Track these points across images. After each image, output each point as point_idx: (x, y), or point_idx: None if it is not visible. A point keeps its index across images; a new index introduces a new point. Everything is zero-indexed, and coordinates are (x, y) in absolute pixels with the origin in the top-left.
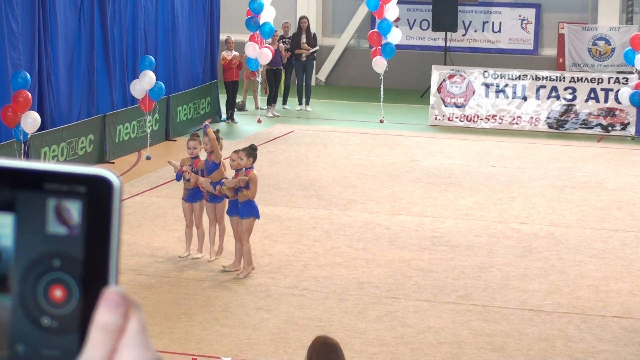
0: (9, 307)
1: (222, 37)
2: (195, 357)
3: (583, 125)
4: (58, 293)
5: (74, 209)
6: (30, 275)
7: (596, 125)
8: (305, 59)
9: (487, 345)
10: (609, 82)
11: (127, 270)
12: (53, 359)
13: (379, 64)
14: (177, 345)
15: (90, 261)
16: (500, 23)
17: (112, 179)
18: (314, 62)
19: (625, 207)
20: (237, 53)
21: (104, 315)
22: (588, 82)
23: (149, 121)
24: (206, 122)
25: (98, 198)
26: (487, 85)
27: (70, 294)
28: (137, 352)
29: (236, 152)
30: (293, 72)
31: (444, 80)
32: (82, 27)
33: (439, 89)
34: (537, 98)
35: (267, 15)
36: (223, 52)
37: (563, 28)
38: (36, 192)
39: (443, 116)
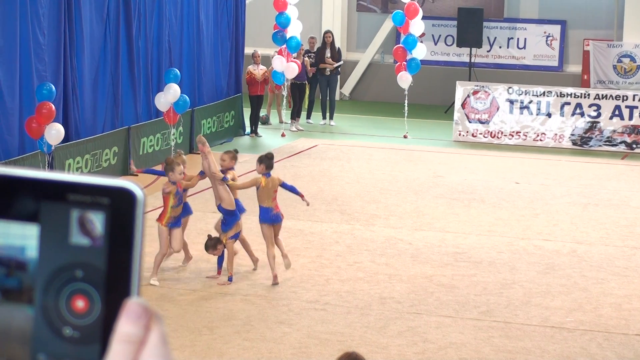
0: (32, 317)
1: (248, 51)
2: None
3: (607, 143)
4: (80, 303)
5: (97, 220)
6: (53, 285)
7: (620, 143)
8: (329, 73)
9: None
10: (633, 100)
11: (148, 282)
12: None
13: (404, 79)
14: (199, 358)
15: (113, 272)
16: (525, 39)
17: (135, 191)
18: (338, 76)
19: None
20: (264, 67)
21: (125, 326)
22: (613, 99)
23: (173, 134)
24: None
25: (121, 210)
26: (511, 102)
27: (92, 304)
28: None
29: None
30: (317, 86)
31: (468, 96)
32: (107, 40)
33: (463, 105)
34: (562, 115)
35: (294, 30)
36: (249, 67)
37: (588, 45)
38: (60, 203)
39: (467, 132)
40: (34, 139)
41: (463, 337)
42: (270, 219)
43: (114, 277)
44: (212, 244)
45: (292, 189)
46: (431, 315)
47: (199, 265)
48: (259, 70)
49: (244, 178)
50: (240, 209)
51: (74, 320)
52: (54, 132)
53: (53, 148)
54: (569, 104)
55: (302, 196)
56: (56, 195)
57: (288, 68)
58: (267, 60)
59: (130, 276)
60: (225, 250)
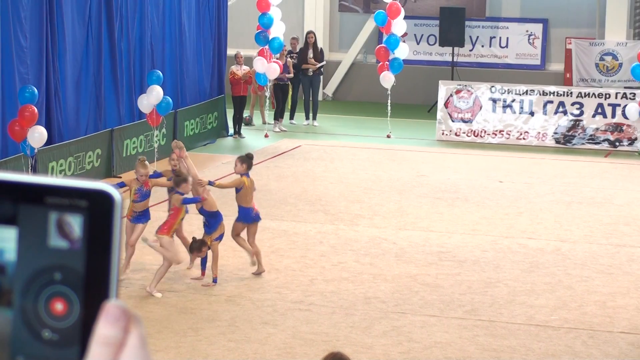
0: (11, 320)
1: (231, 52)
2: None
3: (590, 141)
4: (59, 306)
5: (75, 223)
6: (32, 288)
7: (603, 141)
8: (312, 73)
9: None
10: (616, 98)
11: (133, 284)
12: None
13: (387, 79)
14: (183, 359)
15: (91, 275)
16: (507, 38)
17: (113, 194)
18: (321, 77)
19: (632, 222)
20: (247, 68)
21: (104, 329)
22: (595, 97)
23: (157, 136)
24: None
25: (99, 212)
26: (494, 101)
27: (71, 307)
28: None
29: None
30: (300, 87)
31: (451, 95)
32: (89, 42)
33: (446, 104)
34: (545, 113)
35: (277, 30)
36: (232, 67)
37: (570, 43)
38: (38, 206)
39: (450, 131)
40: (17, 142)
41: (448, 336)
42: (252, 218)
43: (92, 279)
44: (197, 246)
45: None
46: (416, 314)
47: (182, 267)
48: (241, 71)
49: (227, 179)
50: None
51: (53, 323)
52: (37, 135)
53: (36, 151)
54: (551, 102)
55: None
56: (34, 198)
57: (269, 69)
58: (250, 61)
59: (108, 278)
60: (210, 252)
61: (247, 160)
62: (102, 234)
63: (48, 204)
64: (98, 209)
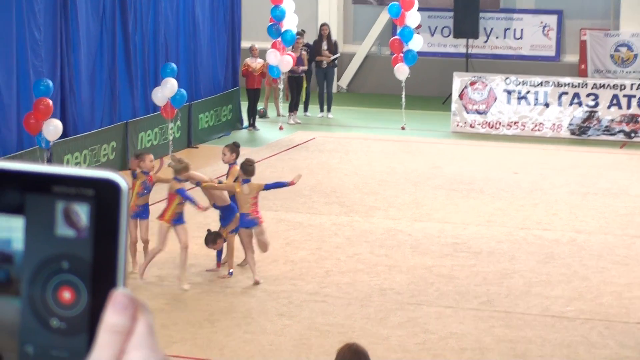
0: (19, 309)
1: (246, 44)
2: None
3: (605, 132)
4: (67, 295)
5: (82, 212)
6: (39, 277)
7: (619, 132)
8: (326, 66)
9: (510, 352)
10: (631, 89)
11: (150, 276)
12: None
13: (401, 71)
14: (200, 351)
15: (98, 263)
16: (522, 30)
17: (120, 182)
18: (335, 69)
19: None
20: (262, 61)
21: (112, 317)
22: (610, 88)
23: (171, 128)
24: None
25: (106, 201)
26: (509, 92)
27: (78, 295)
28: (144, 354)
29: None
30: (314, 79)
31: (466, 87)
32: (104, 35)
33: (460, 96)
34: (560, 104)
35: (289, 23)
36: (247, 59)
37: (585, 34)
38: (45, 195)
39: (465, 123)
40: (32, 135)
41: (464, 327)
42: (245, 223)
43: (99, 268)
44: (212, 239)
45: (276, 185)
46: (431, 305)
47: (198, 260)
48: (256, 64)
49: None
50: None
51: (61, 312)
52: (52, 128)
53: (51, 144)
54: (566, 93)
55: (290, 183)
56: (41, 187)
57: (282, 61)
58: (264, 54)
59: (116, 267)
60: (226, 244)
61: (244, 166)
62: (109, 223)
63: (55, 193)
64: (105, 197)
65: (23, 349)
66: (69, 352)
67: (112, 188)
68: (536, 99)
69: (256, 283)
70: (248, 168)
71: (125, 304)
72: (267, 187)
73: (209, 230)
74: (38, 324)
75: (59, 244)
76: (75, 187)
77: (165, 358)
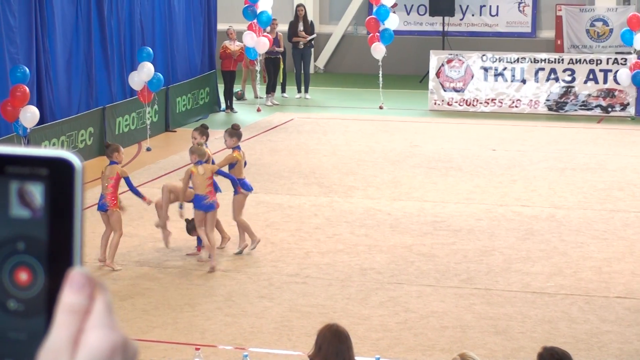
0: None
1: (222, 27)
2: (198, 347)
3: (583, 107)
4: (23, 276)
5: (36, 192)
6: None
7: (596, 107)
8: (302, 46)
9: (491, 329)
10: (607, 63)
11: (129, 261)
12: (20, 342)
13: (378, 50)
14: (181, 335)
15: (54, 243)
16: (497, 6)
17: (74, 161)
18: (312, 49)
19: (626, 187)
20: (241, 44)
21: (69, 297)
22: (587, 63)
23: (149, 112)
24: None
25: (60, 180)
26: (485, 69)
27: (35, 276)
28: (102, 333)
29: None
30: (290, 60)
31: (443, 65)
32: (79, 20)
33: (437, 74)
34: (536, 80)
35: (265, 4)
36: (225, 42)
37: (560, 10)
38: None
39: (442, 101)
40: (9, 122)
41: (444, 306)
42: (201, 206)
43: (56, 247)
44: (192, 227)
45: (227, 176)
46: (412, 284)
47: (178, 244)
48: (234, 46)
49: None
50: (247, 187)
51: (18, 293)
52: (29, 115)
53: (29, 130)
54: (543, 69)
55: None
56: None
57: (259, 43)
58: (241, 36)
59: (72, 246)
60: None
61: (236, 133)
62: (63, 202)
63: (8, 174)
64: (59, 176)
65: None
66: (27, 334)
67: (66, 167)
68: (513, 76)
69: (212, 270)
70: (239, 132)
71: (82, 283)
72: (219, 172)
73: (187, 220)
74: None
75: (14, 224)
76: (29, 166)
77: (123, 337)
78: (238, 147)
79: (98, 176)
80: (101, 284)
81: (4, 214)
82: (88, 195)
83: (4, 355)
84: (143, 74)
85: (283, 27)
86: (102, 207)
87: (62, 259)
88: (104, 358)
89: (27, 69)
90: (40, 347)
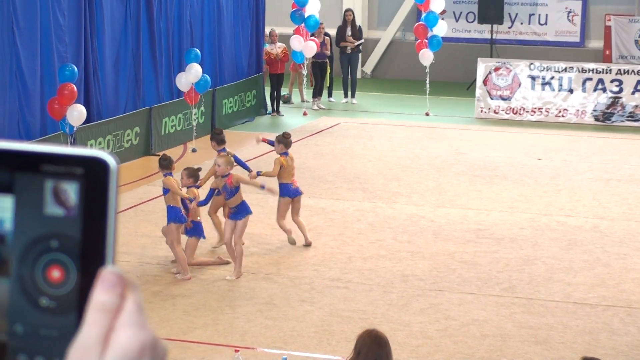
0: (9, 289)
1: (269, 30)
2: (238, 349)
3: (630, 118)
4: (56, 273)
5: (71, 190)
6: (29, 256)
7: None
8: (350, 51)
9: (531, 338)
10: None
11: (169, 259)
12: (51, 338)
13: (426, 57)
14: (220, 337)
15: (88, 242)
16: (546, 15)
17: (109, 161)
18: (359, 54)
19: None
20: (282, 45)
21: (100, 295)
22: (635, 74)
23: (195, 114)
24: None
25: (94, 179)
26: (533, 78)
27: (68, 274)
28: (132, 331)
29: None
30: (337, 64)
31: (490, 72)
32: (128, 20)
33: (484, 82)
34: (584, 90)
35: (312, 8)
36: (266, 47)
37: (609, 20)
38: (34, 174)
39: (489, 109)
40: (56, 120)
41: (485, 314)
42: (293, 192)
43: (88, 246)
44: None
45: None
46: (453, 292)
47: (222, 248)
48: (276, 49)
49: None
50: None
51: (51, 291)
52: (76, 113)
53: (75, 129)
54: (590, 79)
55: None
56: (30, 166)
57: (306, 47)
58: (286, 39)
59: (105, 245)
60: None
61: (284, 140)
62: (98, 201)
63: (44, 172)
64: (94, 176)
65: (12, 329)
66: (59, 331)
67: (101, 167)
68: (560, 85)
69: (308, 244)
70: (288, 140)
71: (113, 282)
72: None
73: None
74: (27, 303)
75: (48, 222)
76: (64, 165)
77: (153, 336)
78: (286, 154)
79: (142, 176)
80: (132, 283)
81: (39, 212)
82: (130, 195)
83: (36, 352)
84: (190, 75)
85: (331, 32)
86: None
87: (94, 257)
88: (134, 357)
89: (75, 68)
90: (70, 344)
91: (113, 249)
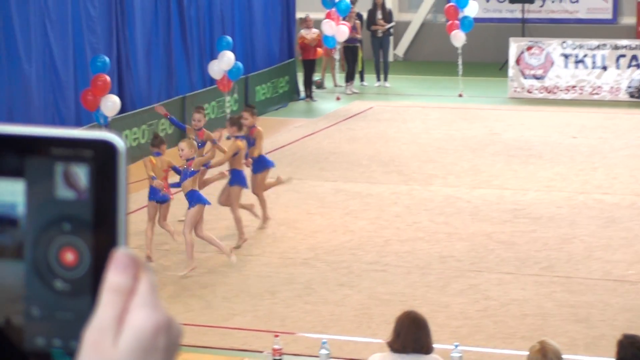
0: (24, 272)
1: (300, 15)
2: (278, 334)
3: None
4: (69, 256)
5: (81, 173)
6: (42, 239)
7: None
8: (381, 35)
9: (572, 317)
10: None
11: (210, 250)
12: (67, 321)
13: (457, 38)
14: (260, 322)
15: (99, 224)
16: None
17: (117, 142)
18: (391, 37)
19: None
20: (317, 31)
21: (114, 277)
22: None
23: (228, 101)
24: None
25: (104, 161)
26: (566, 56)
27: (81, 257)
28: (147, 312)
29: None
30: (369, 48)
31: (522, 52)
32: (158, 9)
33: (517, 61)
34: (617, 67)
35: None
36: (302, 31)
37: None
38: (44, 158)
39: (522, 88)
40: (90, 111)
41: (525, 293)
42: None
43: (100, 228)
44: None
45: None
46: (492, 272)
47: (259, 230)
48: (311, 34)
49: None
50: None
51: (65, 273)
52: (110, 104)
53: (109, 120)
54: (624, 56)
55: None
56: (40, 149)
57: (338, 31)
58: (319, 24)
59: (116, 227)
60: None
61: (237, 122)
62: (108, 183)
63: (54, 155)
64: (103, 158)
65: (29, 312)
66: (74, 314)
67: (110, 149)
68: (594, 63)
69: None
70: (240, 122)
71: (126, 263)
72: (173, 168)
73: None
74: (43, 286)
75: (59, 205)
76: (74, 148)
77: (166, 316)
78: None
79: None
80: (145, 264)
81: (50, 195)
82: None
83: (52, 335)
84: (223, 62)
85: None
86: (164, 198)
87: (107, 239)
88: (148, 337)
89: (107, 59)
90: (86, 326)
91: (125, 230)
